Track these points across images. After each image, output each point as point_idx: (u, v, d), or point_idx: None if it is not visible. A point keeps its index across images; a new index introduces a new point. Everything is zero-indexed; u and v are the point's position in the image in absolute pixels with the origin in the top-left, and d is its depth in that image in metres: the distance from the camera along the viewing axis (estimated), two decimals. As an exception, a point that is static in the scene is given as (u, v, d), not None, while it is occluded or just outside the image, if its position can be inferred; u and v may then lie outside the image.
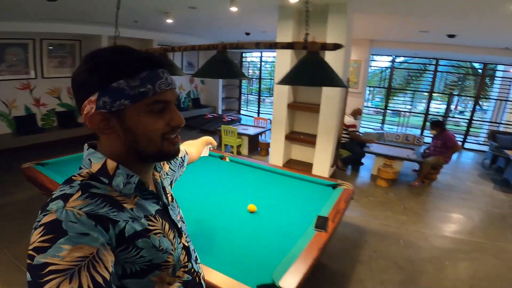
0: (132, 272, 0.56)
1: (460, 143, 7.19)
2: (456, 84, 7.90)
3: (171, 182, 0.91)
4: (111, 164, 0.58)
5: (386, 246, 2.95)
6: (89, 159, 0.60)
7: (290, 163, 4.46)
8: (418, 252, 2.85)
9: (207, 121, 8.01)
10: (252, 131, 5.82)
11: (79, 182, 0.55)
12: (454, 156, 5.82)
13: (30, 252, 0.45)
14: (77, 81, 0.57)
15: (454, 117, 9.31)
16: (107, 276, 0.47)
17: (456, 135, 6.07)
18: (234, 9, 3.60)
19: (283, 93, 4.21)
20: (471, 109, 7.11)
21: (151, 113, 0.57)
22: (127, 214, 0.56)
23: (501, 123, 7.01)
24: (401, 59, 10.96)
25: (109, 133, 0.58)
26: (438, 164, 4.47)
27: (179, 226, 0.73)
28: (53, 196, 0.52)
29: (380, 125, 8.13)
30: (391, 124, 8.73)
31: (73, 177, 0.57)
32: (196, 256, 0.81)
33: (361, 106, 6.93)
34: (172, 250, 0.64)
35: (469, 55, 6.32)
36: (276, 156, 4.44)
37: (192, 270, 0.74)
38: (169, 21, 4.77)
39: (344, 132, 4.97)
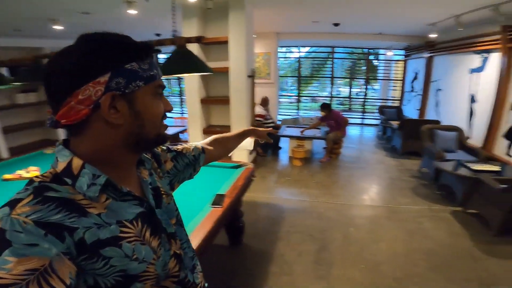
0: (107, 286, 0.50)
1: (357, 119, 8.37)
2: (351, 68, 9.14)
3: (172, 182, 0.81)
4: (76, 163, 0.52)
5: (302, 220, 3.26)
6: (56, 157, 0.54)
7: (211, 156, 4.51)
8: (328, 222, 3.21)
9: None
10: (171, 130, 5.75)
11: (37, 184, 0.49)
12: (353, 131, 6.72)
13: None
14: (74, 64, 0.49)
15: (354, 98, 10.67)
16: None
17: (355, 113, 7.02)
18: (132, 12, 3.49)
19: (194, 90, 4.25)
20: (364, 90, 8.32)
21: (156, 96, 0.57)
22: (90, 220, 0.49)
23: (388, 99, 8.40)
24: (307, 49, 12.00)
25: (112, 119, 0.52)
26: (337, 138, 5.13)
27: (172, 232, 0.65)
28: (7, 201, 0.46)
29: (296, 111, 8.83)
30: (306, 110, 9.58)
31: (34, 178, 0.50)
32: (195, 265, 0.73)
33: (274, 95, 7.40)
34: (153, 259, 0.57)
35: (354, 41, 7.33)
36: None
37: (186, 280, 0.66)
38: (58, 27, 4.30)
39: (257, 120, 5.27)
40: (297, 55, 8.49)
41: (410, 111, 7.13)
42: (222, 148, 1.08)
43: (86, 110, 0.50)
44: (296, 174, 4.62)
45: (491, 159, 4.15)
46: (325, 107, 5.17)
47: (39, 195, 0.47)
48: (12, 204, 0.45)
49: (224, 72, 4.05)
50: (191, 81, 4.24)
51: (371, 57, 10.43)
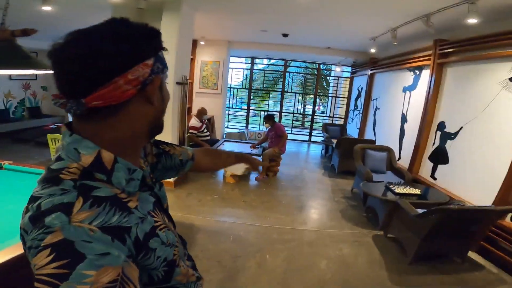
0: (159, 278, 0.53)
1: (305, 136, 8.31)
2: (302, 84, 9.19)
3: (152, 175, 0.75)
4: (107, 156, 0.49)
5: (215, 243, 2.91)
6: (75, 149, 0.48)
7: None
8: (244, 247, 2.90)
9: (48, 131, 6.63)
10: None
11: (72, 183, 0.44)
12: (299, 148, 6.59)
13: (46, 278, 0.36)
14: (127, 45, 0.47)
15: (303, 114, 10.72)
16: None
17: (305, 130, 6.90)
18: (47, 8, 3.34)
19: None
20: (312, 106, 8.35)
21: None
22: (136, 215, 0.49)
23: (335, 117, 8.49)
24: (265, 62, 11.99)
25: (155, 101, 0.53)
26: (274, 155, 4.90)
27: (171, 216, 0.68)
28: (43, 205, 0.42)
29: (244, 125, 8.59)
30: (254, 124, 9.35)
31: (60, 175, 0.45)
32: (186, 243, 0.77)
33: (221, 107, 7.11)
34: (177, 241, 0.60)
35: (306, 55, 7.34)
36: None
37: (189, 256, 0.73)
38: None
39: (191, 133, 4.91)
40: (249, 66, 8.34)
41: (353, 130, 7.22)
42: (212, 163, 1.04)
43: (133, 91, 0.48)
44: (226, 193, 4.28)
45: (417, 181, 4.15)
46: (269, 118, 4.96)
47: (89, 196, 0.44)
48: (65, 209, 0.41)
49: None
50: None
51: (326, 73, 10.70)
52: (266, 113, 5.20)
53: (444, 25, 3.67)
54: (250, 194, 4.27)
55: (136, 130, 0.53)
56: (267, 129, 5.09)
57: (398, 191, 3.33)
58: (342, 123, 7.97)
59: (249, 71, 8.40)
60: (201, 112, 5.07)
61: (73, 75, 0.45)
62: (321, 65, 9.22)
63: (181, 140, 4.34)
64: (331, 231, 3.34)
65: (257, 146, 5.15)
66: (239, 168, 4.55)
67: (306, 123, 9.50)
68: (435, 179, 3.95)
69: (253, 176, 5.02)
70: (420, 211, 2.67)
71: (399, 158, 4.91)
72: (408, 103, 4.77)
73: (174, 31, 3.68)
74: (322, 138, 6.82)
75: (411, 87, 4.75)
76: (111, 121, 0.49)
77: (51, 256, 0.37)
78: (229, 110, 8.56)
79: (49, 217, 0.40)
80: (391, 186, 3.49)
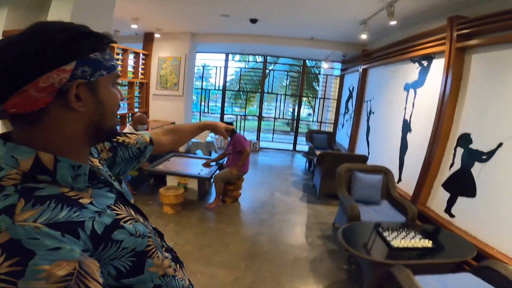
0: (127, 270, 0.52)
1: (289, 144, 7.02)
2: (286, 84, 7.86)
3: (111, 171, 0.74)
4: (47, 157, 0.48)
5: None
6: (12, 156, 0.47)
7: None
8: None
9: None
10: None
11: (13, 188, 0.44)
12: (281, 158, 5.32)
13: (4, 277, 0.36)
14: (37, 51, 0.46)
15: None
16: (101, 281, 0.43)
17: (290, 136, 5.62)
18: None
19: None
20: (297, 109, 7.08)
21: (113, 86, 0.57)
22: (90, 209, 0.49)
23: (324, 122, 7.20)
24: (252, 59, 10.79)
25: (77, 107, 0.50)
26: (230, 177, 3.65)
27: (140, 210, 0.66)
28: None
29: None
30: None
31: (1, 183, 0.45)
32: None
33: (182, 111, 5.87)
34: (149, 232, 0.59)
35: (287, 49, 6.10)
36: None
37: (168, 248, 0.72)
38: None
39: None
40: (222, 64, 7.08)
41: (343, 138, 5.94)
42: (174, 140, 1.02)
43: (49, 98, 0.47)
44: (158, 227, 3.01)
45: (424, 217, 2.89)
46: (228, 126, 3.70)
47: (31, 197, 0.43)
48: (8, 211, 0.41)
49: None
50: None
51: (315, 70, 9.44)
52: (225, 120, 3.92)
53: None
54: (187, 233, 3.01)
55: (67, 135, 0.52)
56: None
57: (395, 244, 2.08)
58: (331, 129, 6.72)
59: (228, 69, 7.18)
60: (136, 120, 3.82)
61: None
62: (309, 62, 8.00)
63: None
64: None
65: (211, 164, 3.91)
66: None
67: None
68: (452, 216, 2.68)
69: (209, 198, 3.78)
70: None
71: (399, 180, 3.63)
72: (413, 106, 3.50)
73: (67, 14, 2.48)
74: (306, 148, 5.57)
75: (416, 84, 3.48)
76: (37, 126, 0.49)
77: (3, 256, 0.37)
78: (200, 115, 7.31)
79: None
80: (385, 233, 2.23)
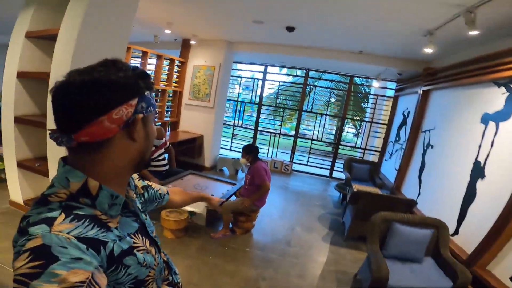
0: None
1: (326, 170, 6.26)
2: (328, 102, 7.08)
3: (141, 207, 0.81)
4: (93, 184, 0.55)
5: None
6: (66, 177, 0.54)
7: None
8: None
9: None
10: None
11: (58, 204, 0.51)
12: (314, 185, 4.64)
13: (20, 278, 0.41)
14: (115, 86, 0.54)
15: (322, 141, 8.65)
16: None
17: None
18: None
19: (8, 104, 2.78)
20: (338, 132, 6.30)
21: (153, 122, 0.65)
22: (114, 233, 0.55)
23: (369, 149, 6.25)
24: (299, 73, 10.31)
25: (137, 138, 0.59)
26: (239, 209, 3.10)
27: (159, 243, 0.73)
28: (31, 220, 0.48)
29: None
30: (262, 145, 7.53)
31: (48, 198, 0.52)
32: (174, 269, 0.81)
33: (211, 123, 5.55)
34: (154, 265, 0.64)
35: (332, 63, 5.44)
36: (15, 191, 2.98)
37: (173, 282, 0.76)
38: None
39: None
40: (260, 76, 6.65)
41: (389, 170, 5.01)
42: (181, 200, 1.15)
43: (117, 129, 0.54)
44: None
45: (478, 281, 2.07)
46: (249, 151, 3.21)
47: (71, 213, 0.50)
48: (48, 222, 0.47)
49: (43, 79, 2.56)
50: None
51: (364, 90, 8.53)
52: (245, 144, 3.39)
53: None
54: (179, 264, 2.55)
55: (120, 163, 0.59)
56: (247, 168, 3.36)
57: None
58: (377, 158, 5.79)
59: (269, 83, 6.76)
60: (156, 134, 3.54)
61: (65, 112, 0.52)
62: (358, 80, 7.20)
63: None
64: None
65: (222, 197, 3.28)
66: (198, 207, 3.19)
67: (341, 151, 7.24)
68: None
69: (215, 225, 3.28)
70: None
71: (456, 232, 2.73)
72: (491, 145, 2.60)
73: (79, 17, 2.29)
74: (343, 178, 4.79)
75: (500, 116, 2.58)
76: (97, 154, 0.56)
77: (29, 258, 0.42)
78: (233, 129, 6.96)
79: (33, 228, 0.46)
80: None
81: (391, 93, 6.10)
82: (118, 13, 2.56)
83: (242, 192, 3.29)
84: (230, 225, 3.24)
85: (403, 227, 2.32)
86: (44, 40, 2.73)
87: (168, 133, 5.49)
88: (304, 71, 6.42)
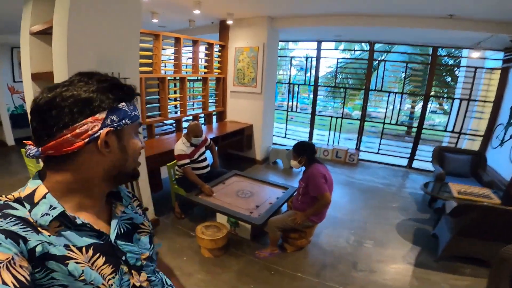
0: None
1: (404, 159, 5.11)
2: (404, 78, 5.62)
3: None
4: (40, 191, 0.56)
5: None
6: (27, 184, 0.58)
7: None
8: None
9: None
10: None
11: (1, 202, 0.54)
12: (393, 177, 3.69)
13: None
14: (78, 100, 0.54)
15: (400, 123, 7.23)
16: (28, 278, 0.46)
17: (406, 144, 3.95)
18: None
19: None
20: (420, 113, 4.98)
21: (136, 134, 0.64)
22: (41, 238, 0.53)
23: (465, 133, 4.81)
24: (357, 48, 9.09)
25: (104, 152, 0.57)
26: (293, 225, 2.39)
27: (136, 264, 0.66)
28: None
29: (307, 135, 6.05)
30: (322, 131, 6.57)
31: (1, 197, 0.56)
32: None
33: (261, 110, 4.89)
34: (103, 284, 0.58)
35: (404, 32, 4.21)
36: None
37: None
38: None
39: (180, 166, 3.03)
40: (313, 54, 5.64)
41: (501, 162, 3.65)
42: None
43: (81, 143, 0.54)
44: (187, 279, 2.14)
45: None
46: (299, 151, 2.49)
47: (0, 211, 0.52)
48: None
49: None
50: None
51: (448, 62, 6.85)
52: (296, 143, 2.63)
53: None
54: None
55: (90, 175, 0.58)
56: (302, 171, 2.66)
57: None
58: (478, 147, 4.39)
59: (325, 61, 5.79)
60: (191, 131, 3.01)
61: (33, 128, 0.56)
62: (441, 50, 5.67)
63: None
64: None
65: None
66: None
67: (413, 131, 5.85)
68: None
69: (265, 240, 2.69)
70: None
71: None
72: None
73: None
74: (433, 173, 3.65)
75: None
76: (65, 166, 0.56)
77: None
78: (287, 114, 6.17)
79: None
80: None
81: (492, 64, 4.60)
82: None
83: (294, 202, 2.58)
84: (280, 240, 2.59)
85: None
86: (50, 35, 2.41)
87: (214, 125, 5.06)
88: (368, 44, 5.26)
